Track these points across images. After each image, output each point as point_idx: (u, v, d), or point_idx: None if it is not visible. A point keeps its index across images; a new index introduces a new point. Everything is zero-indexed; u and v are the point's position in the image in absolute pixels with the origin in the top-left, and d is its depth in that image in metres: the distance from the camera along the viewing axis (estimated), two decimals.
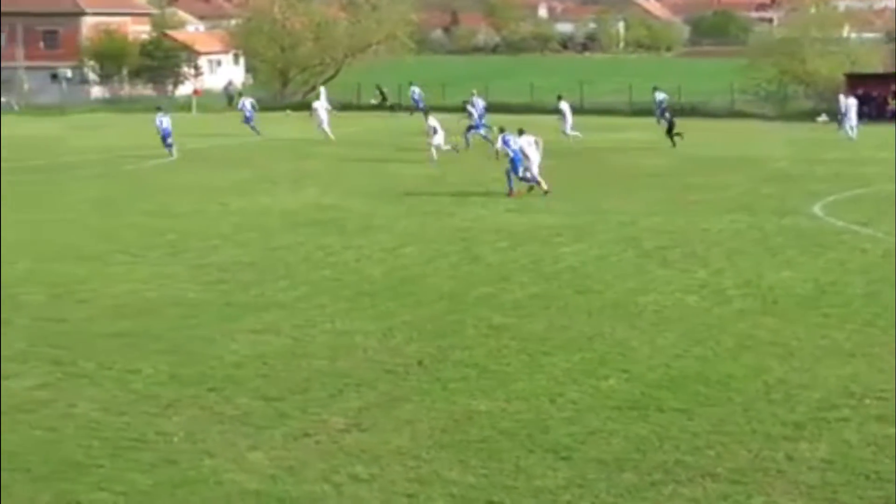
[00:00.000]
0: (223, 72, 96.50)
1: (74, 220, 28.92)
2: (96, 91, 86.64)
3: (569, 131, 48.34)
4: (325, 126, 51.30)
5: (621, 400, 14.04)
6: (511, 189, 32.63)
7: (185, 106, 74.07)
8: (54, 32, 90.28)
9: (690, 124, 53.56)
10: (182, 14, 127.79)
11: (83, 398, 14.29)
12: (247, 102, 55.96)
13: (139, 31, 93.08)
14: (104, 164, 42.02)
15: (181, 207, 30.85)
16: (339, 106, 66.61)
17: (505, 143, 33.45)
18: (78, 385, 14.84)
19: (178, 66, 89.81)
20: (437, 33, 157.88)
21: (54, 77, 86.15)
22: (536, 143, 33.33)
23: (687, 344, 16.60)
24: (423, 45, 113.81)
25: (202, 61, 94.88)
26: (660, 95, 60.26)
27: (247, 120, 54.49)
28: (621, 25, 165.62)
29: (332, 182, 36.07)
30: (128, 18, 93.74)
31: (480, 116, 49.62)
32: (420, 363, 15.71)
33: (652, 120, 56.61)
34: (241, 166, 41.13)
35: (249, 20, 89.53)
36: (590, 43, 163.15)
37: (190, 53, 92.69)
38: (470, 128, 46.49)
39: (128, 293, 20.30)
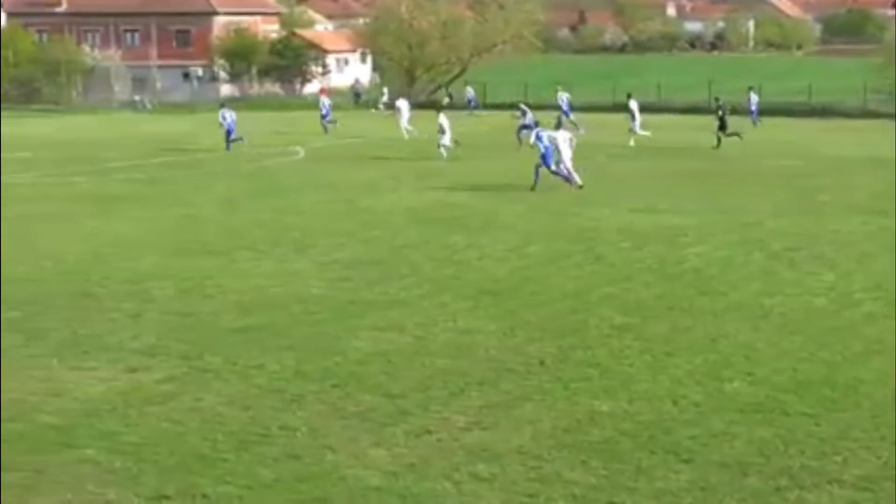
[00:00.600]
0: (350, 70, 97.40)
1: (203, 215, 29.41)
2: (226, 89, 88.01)
3: (638, 130, 47.91)
4: (405, 124, 51.89)
5: (745, 403, 13.84)
6: (536, 183, 33.59)
7: (312, 104, 74.92)
8: (187, 32, 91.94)
9: (821, 124, 52.86)
10: (311, 13, 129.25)
11: (209, 392, 14.51)
12: (326, 101, 57.03)
13: (269, 30, 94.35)
14: (232, 161, 42.64)
15: (307, 204, 31.19)
16: (460, 105, 66.87)
17: (538, 138, 34.28)
18: (204, 379, 15.08)
19: (307, 64, 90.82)
20: (564, 32, 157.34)
21: (186, 76, 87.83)
22: (571, 140, 34.24)
23: (813, 347, 16.30)
24: (549, 44, 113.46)
25: (330, 60, 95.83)
26: (754, 97, 59.73)
27: (323, 117, 55.61)
28: (751, 24, 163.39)
29: (457, 180, 36.14)
30: (258, 17, 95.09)
31: (566, 113, 52.50)
32: (542, 362, 15.67)
33: (781, 120, 55.77)
34: (367, 164, 41.45)
35: (377, 19, 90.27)
36: (718, 42, 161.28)
37: (318, 52, 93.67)
38: (523, 127, 46.53)
39: (253, 289, 20.58)
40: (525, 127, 46.54)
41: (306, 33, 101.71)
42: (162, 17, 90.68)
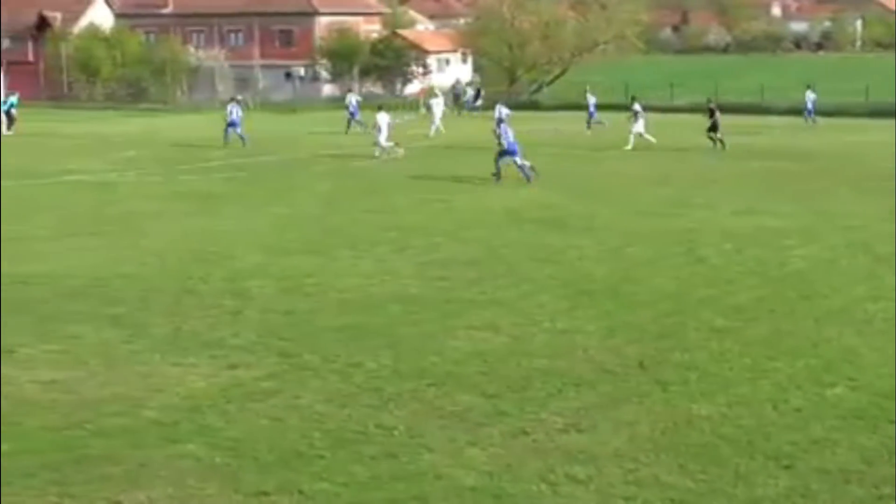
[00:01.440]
0: (451, 70, 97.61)
1: (303, 214, 29.66)
2: (327, 89, 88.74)
3: (644, 133, 47.17)
4: (438, 122, 52.38)
5: (847, 409, 13.61)
6: (499, 174, 35.69)
7: (412, 105, 75.26)
8: (289, 32, 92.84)
9: None
10: (412, 13, 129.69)
11: (308, 390, 14.63)
12: (353, 98, 58.15)
13: (370, 30, 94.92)
14: (333, 160, 42.95)
15: (405, 204, 31.31)
16: (564, 105, 66.71)
17: (504, 132, 36.53)
18: (303, 377, 15.21)
19: (408, 64, 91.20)
20: (666, 32, 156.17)
21: (288, 75, 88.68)
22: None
23: None
24: (651, 44, 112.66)
25: (431, 60, 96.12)
26: (811, 95, 58.84)
27: (351, 115, 56.16)
28: (859, 23, 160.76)
29: (555, 180, 36.02)
30: (360, 18, 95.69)
31: (591, 114, 55.15)
32: (640, 364, 15.56)
33: (886, 122, 54.79)
34: (467, 164, 41.47)
35: (478, 19, 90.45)
36: (824, 42, 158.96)
37: (419, 52, 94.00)
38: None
39: (352, 288, 20.70)
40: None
41: (408, 33, 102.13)
42: (265, 17, 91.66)
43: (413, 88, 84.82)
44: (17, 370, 15.48)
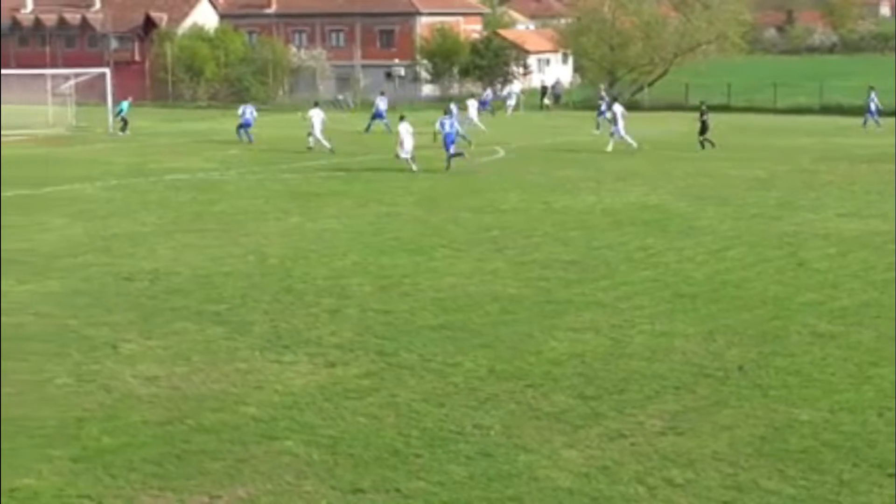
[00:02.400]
0: (551, 71, 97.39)
1: (402, 214, 29.76)
2: (427, 89, 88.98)
3: (623, 135, 46.38)
4: (476, 121, 55.20)
5: None
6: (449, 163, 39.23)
7: (513, 104, 75.22)
8: (390, 32, 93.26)
9: None
10: (513, 13, 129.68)
11: (405, 388, 14.67)
12: (382, 102, 58.96)
13: (471, 30, 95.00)
14: (432, 160, 43.01)
15: (506, 204, 31.28)
16: (666, 106, 66.10)
17: (441, 124, 40.63)
18: (400, 375, 15.25)
19: (508, 64, 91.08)
20: (771, 32, 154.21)
21: (388, 75, 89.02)
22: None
23: None
24: (754, 44, 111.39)
25: (531, 60, 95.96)
26: (874, 96, 57.72)
27: (378, 115, 56.27)
28: None
29: (657, 182, 35.77)
30: (460, 18, 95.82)
31: (602, 114, 54.63)
32: (740, 368, 15.37)
33: None
34: (565, 164, 41.36)
35: (579, 19, 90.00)
36: None
37: (519, 52, 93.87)
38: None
39: (450, 287, 20.72)
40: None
41: (508, 33, 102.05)
42: (366, 17, 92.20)
43: (514, 89, 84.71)
44: (122, 365, 15.73)
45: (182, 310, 18.95)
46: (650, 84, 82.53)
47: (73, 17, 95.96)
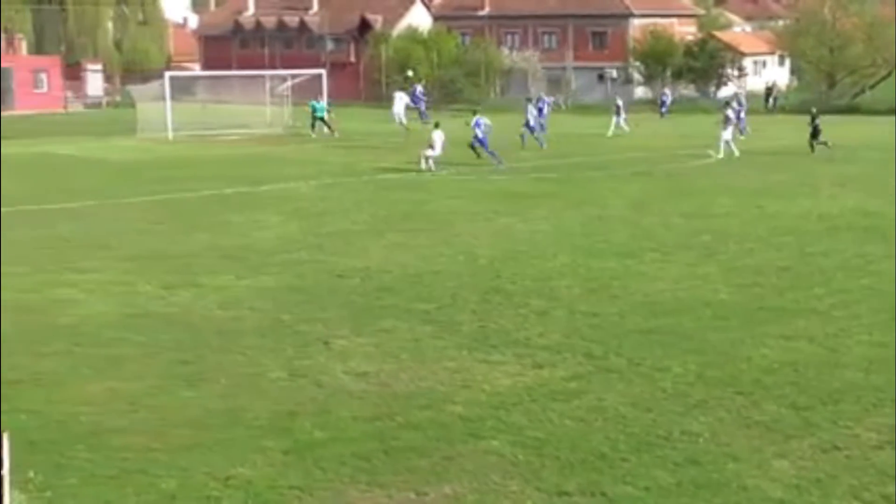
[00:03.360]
0: (767, 73, 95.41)
1: (612, 216, 29.57)
2: (640, 91, 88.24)
3: (730, 141, 45.19)
4: (622, 123, 55.15)
5: None
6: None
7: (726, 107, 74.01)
8: (603, 34, 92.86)
9: None
10: (728, 15, 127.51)
11: (612, 392, 14.57)
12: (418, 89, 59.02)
13: (684, 32, 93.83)
14: (643, 162, 42.68)
15: (718, 209, 30.77)
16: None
17: (477, 125, 42.46)
18: (608, 379, 15.15)
19: (722, 67, 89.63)
20: None
21: (600, 77, 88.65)
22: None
23: None
24: None
25: (746, 62, 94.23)
26: None
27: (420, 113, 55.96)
28: None
29: (877, 187, 34.64)
30: (674, 20, 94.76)
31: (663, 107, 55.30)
32: None
33: None
34: (780, 169, 40.47)
35: (798, 20, 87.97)
36: None
37: (734, 54, 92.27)
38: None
39: (659, 291, 20.49)
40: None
41: (723, 35, 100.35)
42: (579, 19, 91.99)
43: (727, 91, 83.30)
44: (333, 361, 16.05)
45: (392, 308, 19.22)
46: (871, 87, 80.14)
47: (291, 19, 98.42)
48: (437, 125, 41.82)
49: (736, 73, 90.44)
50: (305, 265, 23.08)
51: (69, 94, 79.54)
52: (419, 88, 58.82)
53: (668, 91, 72.31)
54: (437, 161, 40.40)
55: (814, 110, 48.71)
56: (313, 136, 54.84)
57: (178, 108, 55.93)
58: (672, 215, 29.60)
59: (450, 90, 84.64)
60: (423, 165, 40.15)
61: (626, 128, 57.01)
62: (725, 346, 16.70)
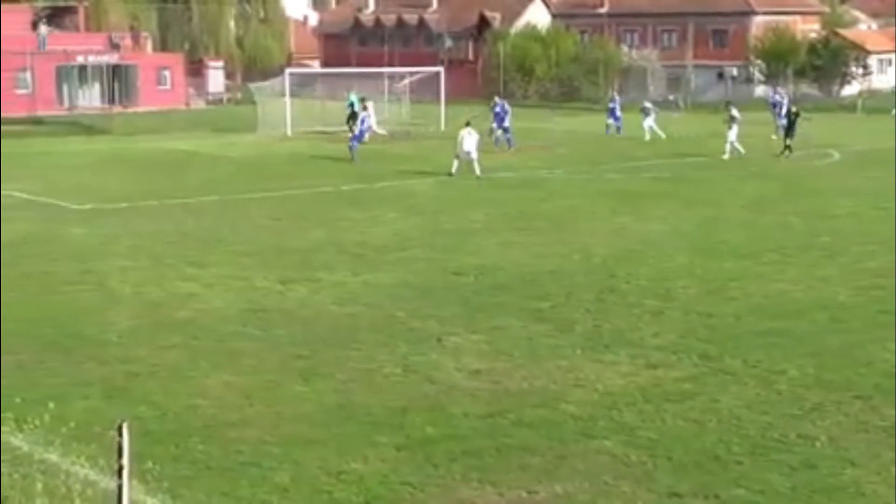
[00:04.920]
0: (893, 72, 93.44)
1: (729, 217, 29.21)
2: (759, 90, 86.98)
3: (735, 142, 43.64)
4: (653, 124, 51.92)
5: None
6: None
7: (848, 106, 72.67)
8: (724, 32, 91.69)
9: None
10: (855, 12, 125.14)
11: (727, 394, 14.40)
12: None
13: (807, 29, 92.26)
14: (760, 162, 42.08)
15: (838, 209, 30.23)
16: None
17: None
18: (723, 381, 14.99)
19: (846, 65, 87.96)
20: None
21: (720, 76, 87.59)
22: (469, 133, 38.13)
23: None
24: None
25: (871, 60, 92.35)
26: None
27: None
28: None
29: None
30: (797, 17, 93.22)
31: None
32: None
33: None
34: None
35: None
36: None
37: (859, 52, 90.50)
38: None
39: (777, 293, 20.20)
40: None
41: (848, 33, 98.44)
42: (700, 16, 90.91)
43: (852, 90, 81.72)
44: (446, 357, 16.10)
45: (506, 306, 19.22)
46: None
47: (410, 17, 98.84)
48: (468, 123, 39.30)
49: (860, 71, 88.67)
50: (420, 262, 23.19)
51: (191, 90, 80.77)
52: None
53: (781, 91, 66.29)
54: (470, 158, 37.66)
55: (794, 109, 46.26)
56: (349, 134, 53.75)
57: (298, 105, 56.50)
58: (791, 216, 29.15)
59: (568, 88, 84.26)
60: (468, 166, 37.70)
61: (660, 133, 51.64)
62: (844, 349, 16.41)
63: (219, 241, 25.60)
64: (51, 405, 10.40)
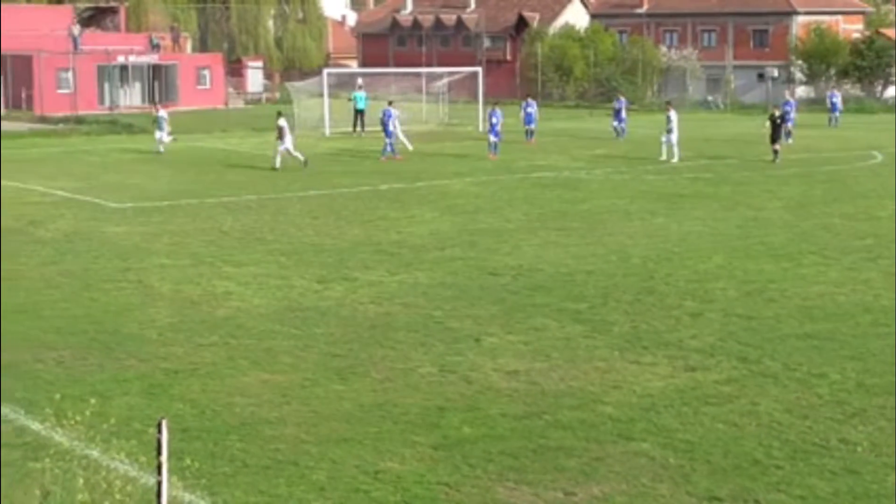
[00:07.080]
0: None
1: (770, 218, 29.02)
2: (801, 91, 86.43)
3: (673, 141, 43.06)
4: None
5: None
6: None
7: (892, 108, 72.13)
8: (764, 32, 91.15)
9: None
10: None
11: (767, 397, 14.29)
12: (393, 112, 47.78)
13: (850, 29, 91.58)
14: (802, 163, 41.81)
15: (882, 211, 29.96)
16: None
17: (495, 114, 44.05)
18: (762, 383, 14.87)
19: (889, 66, 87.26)
20: None
21: (760, 76, 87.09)
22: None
23: None
24: None
25: None
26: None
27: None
28: None
29: None
30: (840, 17, 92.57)
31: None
32: None
33: None
34: None
35: None
36: None
37: None
38: None
39: (818, 295, 20.04)
40: None
41: (892, 32, 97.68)
42: (740, 17, 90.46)
43: (893, 92, 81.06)
44: (483, 358, 16.05)
45: (543, 306, 19.15)
46: None
47: (448, 17, 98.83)
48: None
49: None
50: (458, 262, 23.15)
51: (230, 90, 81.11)
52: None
53: (837, 93, 65.75)
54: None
55: (777, 113, 44.94)
56: (353, 135, 53.62)
57: (336, 105, 56.60)
58: (832, 217, 28.94)
59: (607, 88, 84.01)
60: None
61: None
62: (887, 353, 16.25)
63: (257, 240, 25.66)
64: (92, 401, 10.43)
